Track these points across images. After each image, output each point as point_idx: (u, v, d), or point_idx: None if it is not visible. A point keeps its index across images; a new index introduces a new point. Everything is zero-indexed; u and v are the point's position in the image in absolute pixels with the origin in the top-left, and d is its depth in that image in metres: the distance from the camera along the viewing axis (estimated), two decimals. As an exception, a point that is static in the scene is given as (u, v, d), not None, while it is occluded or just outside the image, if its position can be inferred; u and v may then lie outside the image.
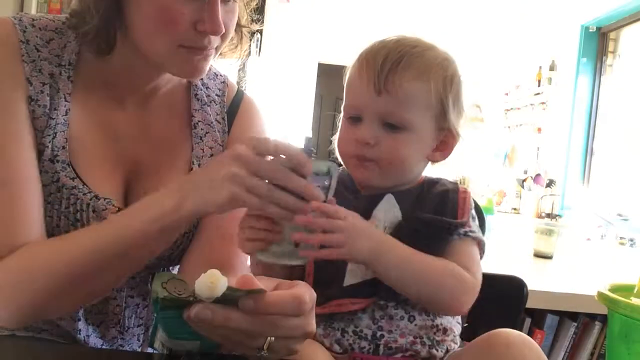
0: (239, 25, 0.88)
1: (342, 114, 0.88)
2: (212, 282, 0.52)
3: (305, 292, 0.57)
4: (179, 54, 0.77)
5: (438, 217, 0.79)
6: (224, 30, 0.76)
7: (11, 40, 0.77)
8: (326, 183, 0.71)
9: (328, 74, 5.80)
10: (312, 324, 0.59)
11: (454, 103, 0.81)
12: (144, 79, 0.86)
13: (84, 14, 0.78)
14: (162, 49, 0.77)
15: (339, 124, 0.89)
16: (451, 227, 0.79)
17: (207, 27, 0.74)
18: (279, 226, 0.69)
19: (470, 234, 0.80)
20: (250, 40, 0.94)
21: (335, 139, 0.89)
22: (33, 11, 3.21)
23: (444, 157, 0.85)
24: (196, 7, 0.74)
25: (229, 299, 0.53)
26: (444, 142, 0.84)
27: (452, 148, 0.85)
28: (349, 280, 0.78)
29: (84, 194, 0.79)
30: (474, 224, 0.82)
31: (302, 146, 0.82)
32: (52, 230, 0.79)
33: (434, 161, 0.85)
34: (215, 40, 0.78)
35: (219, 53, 0.84)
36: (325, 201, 0.70)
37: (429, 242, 0.77)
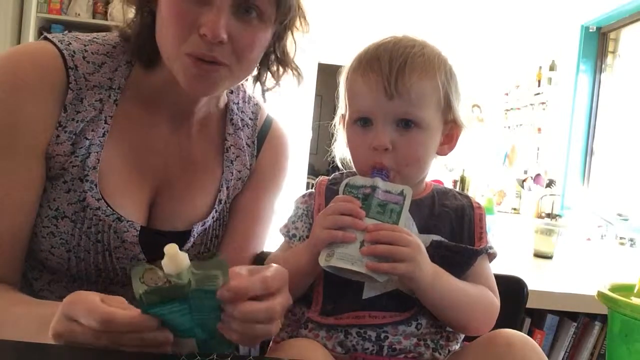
0: (277, 57, 0.88)
1: (340, 122, 0.87)
2: (171, 255, 0.55)
3: (271, 276, 0.61)
4: (184, 61, 0.76)
5: (466, 247, 0.80)
6: (223, 37, 0.73)
7: (53, 69, 0.78)
8: (399, 204, 0.74)
9: (328, 74, 5.80)
10: (276, 307, 0.61)
11: (456, 94, 0.82)
12: (182, 98, 0.85)
13: (128, 24, 0.81)
14: (171, 53, 0.77)
15: (336, 133, 0.89)
16: (476, 252, 0.80)
17: (206, 30, 0.72)
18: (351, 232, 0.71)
19: (489, 250, 0.83)
20: (296, 74, 0.93)
21: (336, 148, 0.89)
22: (33, 11, 3.20)
23: (451, 149, 0.86)
24: (203, 12, 0.73)
25: (199, 277, 0.55)
26: (449, 135, 0.84)
27: (458, 138, 0.86)
28: (368, 292, 0.77)
29: (107, 216, 0.80)
30: (490, 236, 0.84)
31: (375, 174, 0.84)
32: (73, 248, 0.80)
33: (442, 155, 0.85)
34: (223, 54, 0.75)
35: (234, 76, 0.80)
36: (396, 222, 0.73)
37: (454, 267, 0.78)
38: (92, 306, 0.56)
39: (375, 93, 0.77)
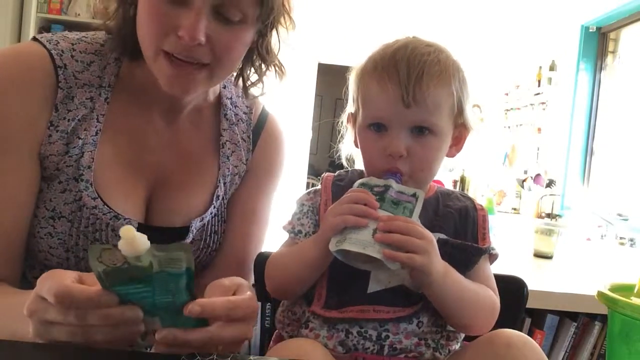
0: (260, 55, 0.86)
1: (349, 121, 0.87)
2: (128, 238, 0.53)
3: (239, 304, 0.62)
4: (161, 60, 0.76)
5: (471, 244, 0.80)
6: (201, 40, 0.72)
7: (42, 69, 0.78)
8: (411, 203, 0.74)
9: (328, 74, 5.80)
10: (248, 331, 0.63)
11: (467, 98, 0.82)
12: (170, 93, 0.84)
13: (110, 17, 0.81)
14: (150, 52, 0.76)
15: (344, 131, 0.89)
16: (480, 251, 0.81)
17: (184, 32, 0.72)
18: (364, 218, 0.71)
19: (491, 251, 0.83)
20: (279, 72, 0.91)
21: (343, 146, 0.89)
22: (33, 11, 3.20)
23: (459, 150, 0.86)
24: (182, 13, 0.73)
25: (162, 259, 0.54)
26: (458, 137, 0.85)
27: (465, 140, 0.86)
28: (373, 287, 0.77)
29: (104, 214, 0.80)
30: (492, 237, 0.84)
31: (387, 178, 0.85)
32: (71, 248, 0.80)
33: (450, 157, 0.86)
34: (201, 55, 0.75)
35: (214, 76, 0.80)
36: (409, 217, 0.73)
37: (459, 265, 0.78)
38: (54, 283, 0.55)
39: (393, 101, 0.77)
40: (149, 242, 0.54)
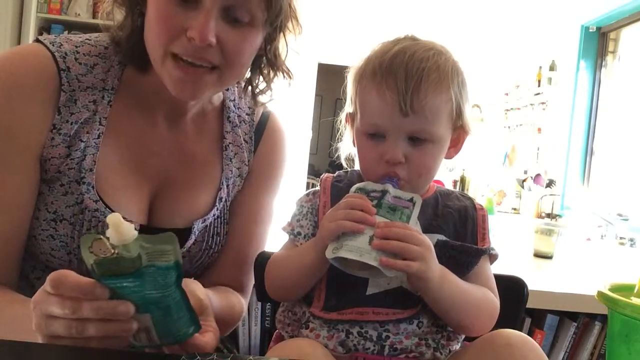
0: (268, 60, 0.86)
1: (347, 120, 0.87)
2: (114, 224, 0.54)
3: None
4: (169, 64, 0.75)
5: (471, 246, 0.80)
6: (211, 41, 0.72)
7: (45, 71, 0.78)
8: (409, 208, 0.74)
9: (328, 74, 5.80)
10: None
11: (466, 101, 0.82)
12: (175, 97, 0.84)
13: (119, 27, 0.81)
14: (158, 55, 0.76)
15: (342, 129, 0.89)
16: (480, 252, 0.81)
17: (193, 33, 0.72)
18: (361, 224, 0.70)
19: (491, 251, 0.83)
20: (287, 77, 0.91)
21: (342, 146, 0.89)
22: (33, 11, 3.21)
23: (457, 152, 0.86)
24: (191, 15, 0.73)
25: (150, 252, 0.54)
26: (456, 139, 0.84)
27: (464, 142, 0.86)
28: (371, 289, 0.77)
29: (106, 217, 0.79)
30: (491, 237, 0.84)
31: (385, 182, 0.84)
32: (73, 250, 0.80)
33: (449, 158, 0.86)
34: (211, 58, 0.75)
35: (223, 80, 0.79)
36: (406, 223, 0.73)
37: (459, 266, 0.78)
38: (55, 273, 0.56)
39: (391, 110, 0.76)
40: (136, 231, 0.55)
